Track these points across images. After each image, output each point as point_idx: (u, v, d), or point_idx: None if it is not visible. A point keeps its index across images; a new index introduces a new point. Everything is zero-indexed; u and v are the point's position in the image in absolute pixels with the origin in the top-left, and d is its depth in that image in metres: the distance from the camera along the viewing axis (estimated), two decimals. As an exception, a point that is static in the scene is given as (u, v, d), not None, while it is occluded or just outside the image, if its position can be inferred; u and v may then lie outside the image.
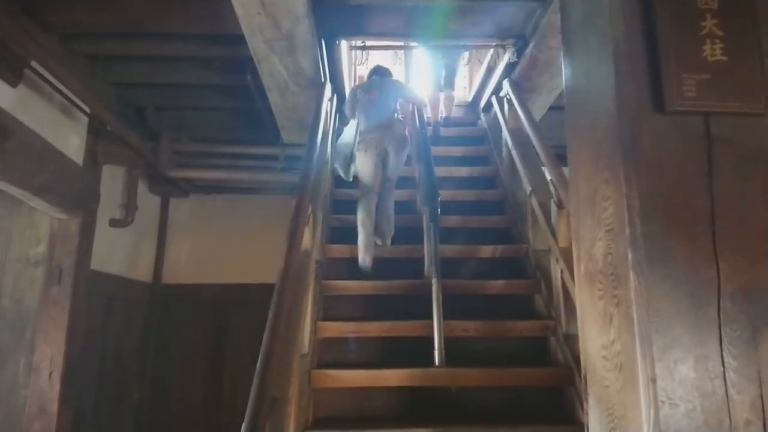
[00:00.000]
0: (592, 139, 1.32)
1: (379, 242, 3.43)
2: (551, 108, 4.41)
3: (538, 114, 4.39)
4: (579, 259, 1.40)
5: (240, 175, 4.74)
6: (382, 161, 3.52)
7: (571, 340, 2.76)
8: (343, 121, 4.63)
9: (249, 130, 4.79)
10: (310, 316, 2.68)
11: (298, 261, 2.62)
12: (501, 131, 4.32)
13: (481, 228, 3.74)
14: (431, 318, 2.78)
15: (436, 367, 2.67)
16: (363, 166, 3.48)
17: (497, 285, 3.19)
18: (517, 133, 3.93)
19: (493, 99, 4.51)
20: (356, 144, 3.49)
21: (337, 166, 3.65)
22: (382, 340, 2.90)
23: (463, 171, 4.32)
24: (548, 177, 3.09)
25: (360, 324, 2.90)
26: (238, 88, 4.33)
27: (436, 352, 2.70)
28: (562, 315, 2.85)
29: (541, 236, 3.37)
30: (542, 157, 3.25)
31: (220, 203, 5.61)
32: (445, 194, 3.51)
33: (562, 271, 2.84)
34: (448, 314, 2.78)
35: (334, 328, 2.89)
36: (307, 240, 2.70)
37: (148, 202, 5.37)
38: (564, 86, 1.54)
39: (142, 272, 5.34)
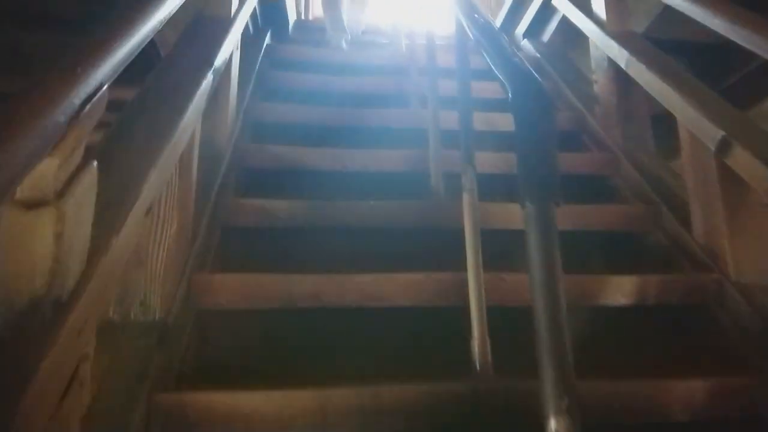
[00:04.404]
0: None
1: (343, 43, 3.28)
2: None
3: (643, 23, 2.44)
4: None
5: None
6: None
7: None
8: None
9: None
10: None
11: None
12: (571, 58, 2.41)
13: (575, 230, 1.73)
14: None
15: None
16: None
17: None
18: (639, 43, 1.97)
19: (559, 3, 2.55)
20: None
21: None
22: None
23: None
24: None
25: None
26: None
27: None
28: None
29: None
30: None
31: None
32: (483, 163, 1.52)
33: None
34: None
35: None
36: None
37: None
38: None
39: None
